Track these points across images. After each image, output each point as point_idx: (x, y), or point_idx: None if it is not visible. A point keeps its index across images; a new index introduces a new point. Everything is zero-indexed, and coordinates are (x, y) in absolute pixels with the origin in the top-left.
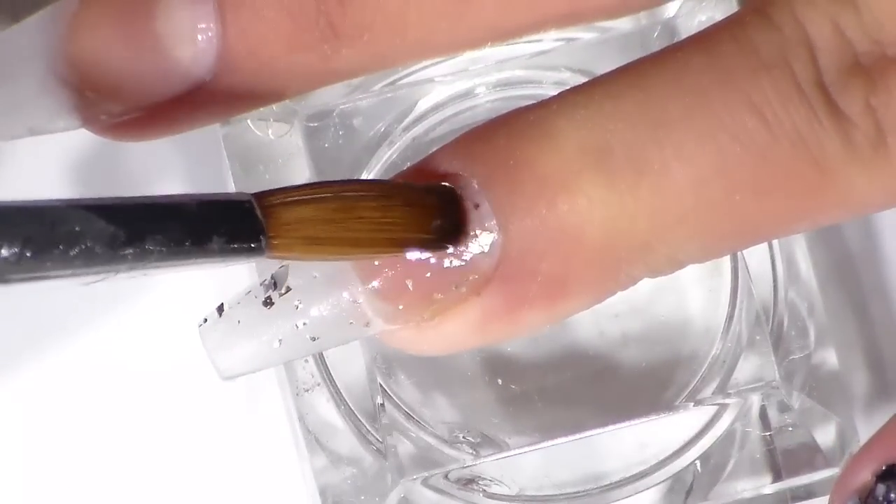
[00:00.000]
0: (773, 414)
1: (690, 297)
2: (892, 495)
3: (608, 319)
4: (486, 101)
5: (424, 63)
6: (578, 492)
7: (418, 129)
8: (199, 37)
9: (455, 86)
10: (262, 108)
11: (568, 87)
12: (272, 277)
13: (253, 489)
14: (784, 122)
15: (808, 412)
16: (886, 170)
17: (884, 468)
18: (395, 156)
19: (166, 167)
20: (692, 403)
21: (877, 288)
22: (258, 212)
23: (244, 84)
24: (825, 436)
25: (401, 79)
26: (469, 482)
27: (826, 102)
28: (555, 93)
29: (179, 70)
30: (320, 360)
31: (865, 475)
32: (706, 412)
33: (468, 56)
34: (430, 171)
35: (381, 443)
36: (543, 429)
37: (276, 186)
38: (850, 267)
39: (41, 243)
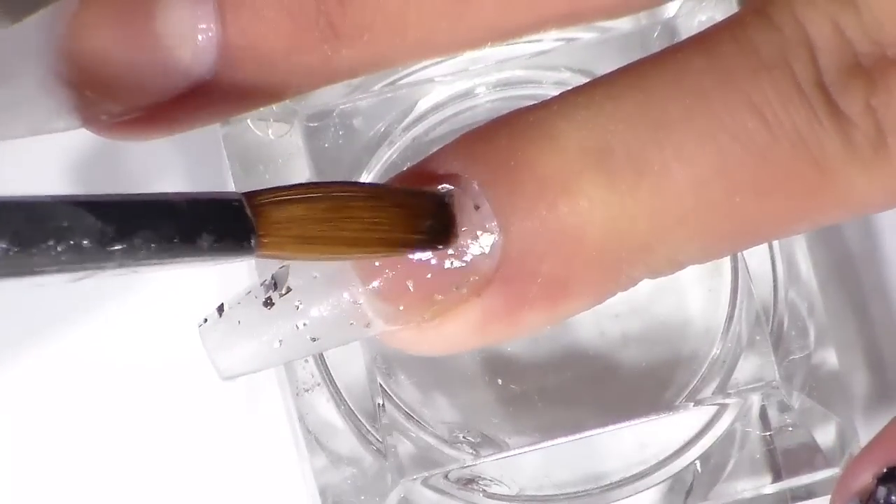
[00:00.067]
0: (773, 414)
1: (690, 297)
2: (893, 498)
3: (608, 319)
4: (486, 101)
5: (424, 63)
6: (578, 492)
7: (418, 129)
8: (199, 37)
9: (455, 86)
10: (262, 108)
11: (568, 88)
12: (272, 278)
13: (253, 489)
14: (784, 122)
15: (808, 412)
16: (886, 170)
17: (884, 471)
18: (395, 156)
19: (166, 167)
20: (692, 403)
21: (877, 288)
22: (248, 210)
23: (244, 84)
24: (825, 436)
25: (401, 79)
26: (469, 482)
27: (826, 103)
28: (555, 93)
29: (179, 70)
30: (320, 360)
31: (866, 478)
32: (706, 412)
33: (468, 56)
34: (431, 172)
35: (381, 443)
36: (543, 429)
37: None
38: (850, 267)
39: (29, 238)
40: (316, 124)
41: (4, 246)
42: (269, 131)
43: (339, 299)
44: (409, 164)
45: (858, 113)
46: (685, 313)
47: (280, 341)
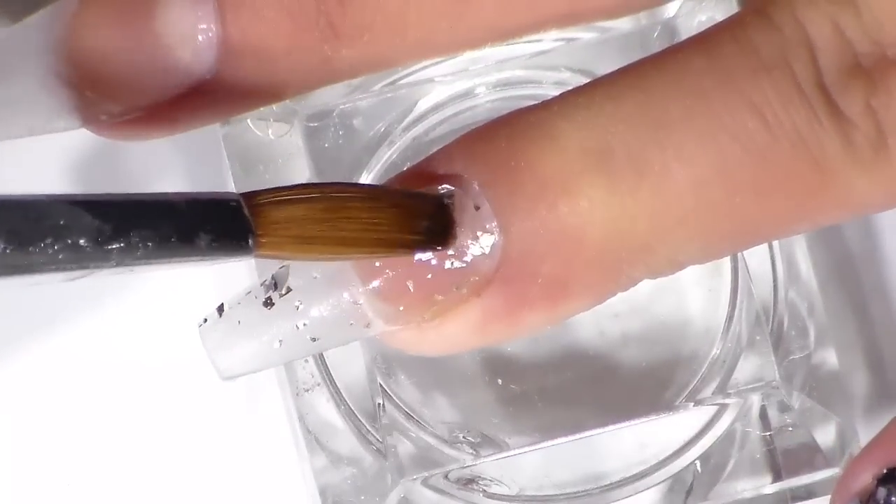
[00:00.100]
0: (773, 414)
1: (690, 297)
2: (893, 498)
3: (608, 319)
4: (486, 101)
5: (424, 63)
6: (578, 492)
7: (418, 129)
8: (199, 37)
9: (455, 86)
10: (262, 108)
11: (568, 88)
12: (273, 278)
13: (253, 489)
14: (784, 122)
15: (808, 412)
16: (886, 171)
17: (884, 471)
18: (395, 156)
19: (166, 167)
20: (692, 403)
21: (877, 288)
22: (246, 210)
23: (244, 84)
24: (825, 436)
25: (401, 79)
26: (469, 482)
27: (826, 103)
28: (555, 93)
29: (179, 70)
30: (320, 360)
31: (866, 478)
32: (706, 412)
33: (468, 56)
34: (431, 172)
35: (381, 443)
36: (543, 429)
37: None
38: (850, 267)
39: (25, 236)
40: (316, 124)
41: (1, 245)
42: (269, 131)
43: (339, 299)
44: (409, 164)
45: (858, 113)
46: (685, 313)
47: (280, 341)
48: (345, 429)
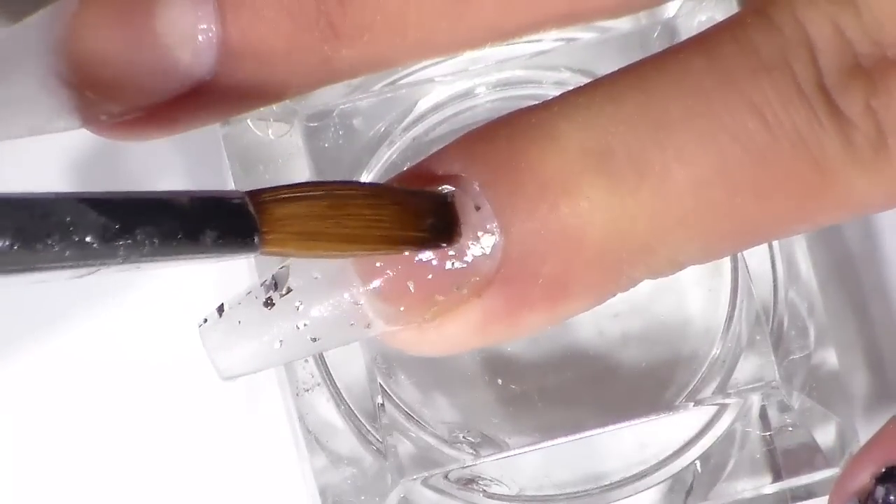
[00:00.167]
0: (773, 414)
1: (690, 297)
2: (892, 497)
3: (608, 319)
4: (486, 101)
5: (424, 63)
6: (578, 492)
7: (418, 129)
8: (200, 37)
9: (455, 86)
10: (262, 108)
11: (568, 88)
12: (273, 278)
13: (253, 489)
14: (784, 123)
15: (808, 412)
16: (887, 171)
17: (883, 470)
18: (395, 156)
19: (166, 167)
20: (692, 403)
21: (877, 288)
22: (251, 208)
23: (244, 84)
24: (825, 436)
25: (401, 79)
26: (469, 482)
27: (826, 103)
28: (555, 93)
29: (179, 70)
30: (320, 360)
31: (864, 477)
32: (706, 412)
33: (468, 56)
34: (431, 173)
35: (381, 443)
36: (543, 429)
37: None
38: (850, 267)
39: (32, 234)
40: (316, 124)
41: (7, 242)
42: (269, 131)
43: (339, 300)
44: (409, 164)
45: (859, 114)
46: (685, 313)
47: (280, 342)
48: (345, 429)
